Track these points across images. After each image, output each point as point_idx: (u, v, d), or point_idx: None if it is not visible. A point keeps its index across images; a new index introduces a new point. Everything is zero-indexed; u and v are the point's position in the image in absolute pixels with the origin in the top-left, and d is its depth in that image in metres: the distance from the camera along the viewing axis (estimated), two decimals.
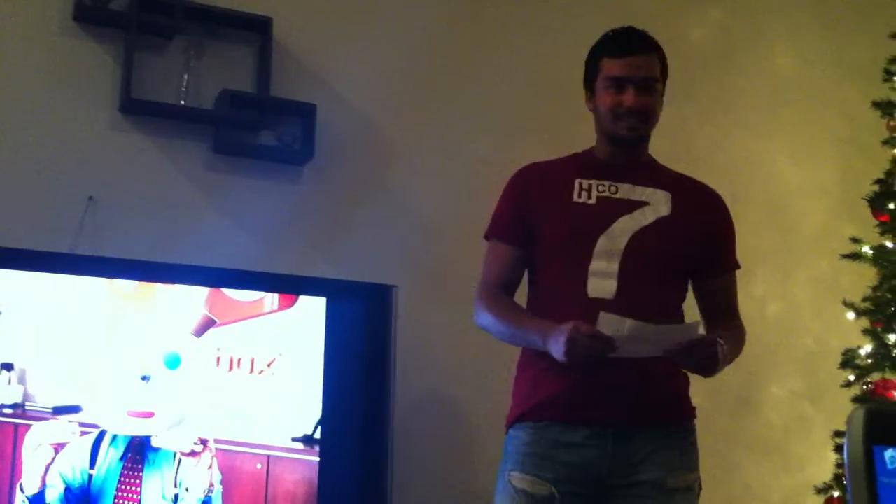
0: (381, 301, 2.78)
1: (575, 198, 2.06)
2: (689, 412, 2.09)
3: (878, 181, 3.29)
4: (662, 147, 3.45)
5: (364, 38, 3.29)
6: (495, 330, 2.07)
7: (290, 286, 2.74)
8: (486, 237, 2.17)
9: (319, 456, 2.63)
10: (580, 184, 2.07)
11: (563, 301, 2.02)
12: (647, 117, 2.06)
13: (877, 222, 3.26)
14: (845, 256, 3.27)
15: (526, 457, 2.00)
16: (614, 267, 1.99)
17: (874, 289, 3.22)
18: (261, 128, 3.05)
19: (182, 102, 2.97)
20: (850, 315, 3.26)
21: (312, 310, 2.72)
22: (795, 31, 4.06)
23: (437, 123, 3.33)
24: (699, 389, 3.57)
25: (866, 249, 3.22)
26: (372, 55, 3.28)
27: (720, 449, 3.55)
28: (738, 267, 2.21)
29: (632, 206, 2.04)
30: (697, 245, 2.09)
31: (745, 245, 3.70)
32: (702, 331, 1.90)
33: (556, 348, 1.88)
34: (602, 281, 1.99)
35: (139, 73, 2.91)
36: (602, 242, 2.00)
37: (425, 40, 3.39)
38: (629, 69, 2.05)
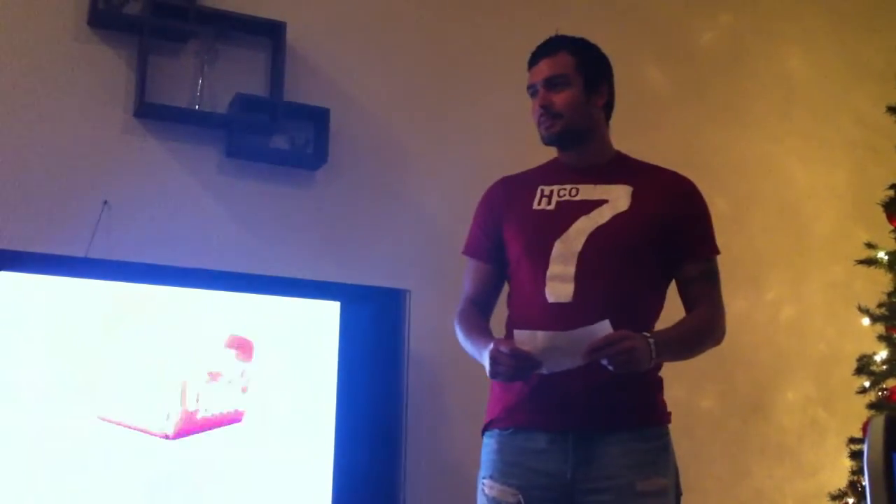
0: (394, 305, 2.79)
1: (534, 206, 2.08)
2: (660, 417, 2.04)
3: (893, 186, 3.27)
4: (674, 151, 3.48)
5: (377, 43, 3.30)
6: (462, 344, 2.11)
7: (303, 290, 2.75)
8: (463, 253, 2.21)
9: (334, 458, 2.63)
10: (542, 191, 2.10)
11: (528, 308, 2.03)
12: (556, 113, 2.07)
13: (891, 227, 3.25)
14: (860, 262, 3.26)
15: (496, 464, 2.01)
16: (571, 270, 1.99)
17: (889, 294, 3.21)
18: (274, 132, 3.06)
19: (196, 107, 2.98)
20: (865, 321, 3.25)
21: (326, 313, 2.73)
22: (807, 35, 4.05)
23: (449, 128, 3.33)
24: (711, 393, 3.61)
25: (881, 255, 3.21)
26: (385, 59, 3.29)
27: (732, 454, 3.54)
28: (715, 253, 2.12)
29: (590, 206, 2.04)
30: (661, 235, 2.04)
31: (757, 248, 3.76)
32: (609, 329, 1.84)
33: (485, 367, 1.93)
34: (560, 285, 1.99)
35: (153, 77, 2.92)
36: (558, 247, 2.01)
37: (439, 45, 3.40)
38: (533, 76, 2.12)
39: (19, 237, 2.65)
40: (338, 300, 2.74)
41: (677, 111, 3.73)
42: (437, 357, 3.00)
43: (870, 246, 3.27)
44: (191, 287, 2.63)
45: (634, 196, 2.05)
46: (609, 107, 2.16)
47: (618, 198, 2.05)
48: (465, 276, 2.20)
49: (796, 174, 3.91)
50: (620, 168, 2.12)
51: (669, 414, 2.06)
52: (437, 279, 3.00)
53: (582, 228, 2.02)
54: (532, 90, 2.12)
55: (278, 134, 3.06)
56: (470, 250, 2.20)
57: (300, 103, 3.07)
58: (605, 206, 2.04)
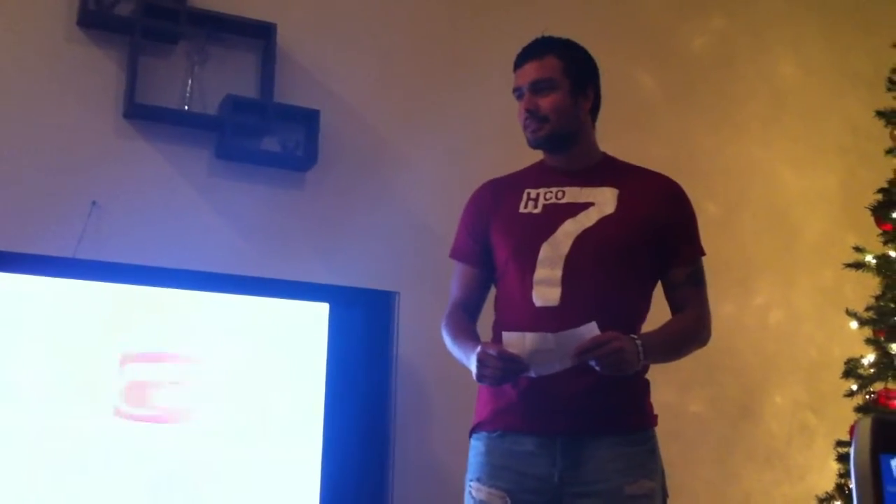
0: (384, 307, 2.79)
1: (521, 209, 2.08)
2: (647, 420, 2.05)
3: (882, 190, 3.28)
4: (664, 155, 3.48)
5: (367, 45, 3.29)
6: (449, 349, 2.10)
7: (292, 292, 2.74)
8: (450, 257, 2.20)
9: (321, 460, 2.63)
10: (528, 194, 2.09)
11: (514, 312, 2.03)
12: (542, 117, 2.06)
13: (880, 231, 3.26)
14: (848, 265, 3.26)
15: (483, 467, 2.01)
16: (557, 273, 1.98)
17: (877, 298, 3.22)
18: (264, 133, 3.05)
19: (186, 108, 2.98)
20: (853, 324, 3.25)
21: (315, 315, 2.72)
22: (797, 39, 4.07)
23: (440, 130, 3.33)
24: (700, 397, 3.61)
25: (869, 258, 3.21)
26: (375, 61, 3.29)
27: (721, 457, 3.55)
28: (700, 255, 2.11)
29: (577, 209, 2.04)
30: (647, 237, 2.04)
31: (747, 253, 3.76)
32: (596, 331, 1.85)
33: (472, 370, 1.92)
34: (547, 289, 1.99)
35: (143, 78, 2.91)
36: (545, 250, 2.01)
37: (429, 46, 3.40)
38: (519, 79, 2.11)
39: (6, 237, 2.64)
40: (327, 302, 2.74)
41: (668, 115, 3.74)
42: (426, 359, 2.99)
43: (858, 250, 3.28)
44: (180, 288, 2.62)
45: (620, 199, 2.04)
46: (595, 109, 2.15)
47: (604, 201, 2.04)
48: (452, 280, 2.19)
49: (786, 178, 3.92)
50: (607, 170, 2.12)
51: (656, 416, 2.06)
52: (426, 281, 2.99)
53: (568, 231, 2.02)
54: (518, 93, 2.11)
55: (268, 135, 3.06)
56: (457, 254, 2.19)
57: (290, 105, 3.07)
58: (591, 209, 2.04)
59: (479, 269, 2.15)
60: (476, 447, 2.05)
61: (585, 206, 2.04)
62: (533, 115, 2.07)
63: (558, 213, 2.04)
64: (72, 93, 2.89)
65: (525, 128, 2.10)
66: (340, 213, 3.14)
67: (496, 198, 2.14)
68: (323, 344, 2.70)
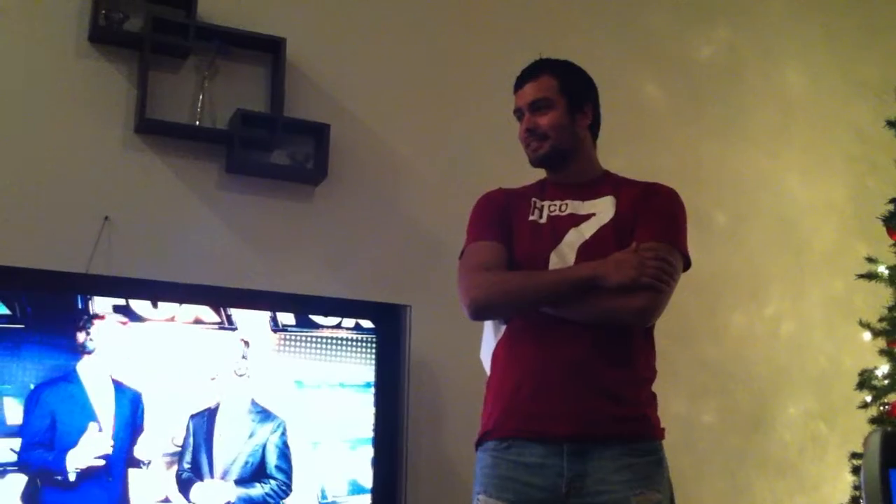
0: (395, 320, 2.79)
1: (530, 217, 2.13)
2: (654, 431, 2.05)
3: (893, 200, 3.27)
4: (671, 165, 3.48)
5: (377, 58, 3.31)
6: (521, 291, 2.03)
7: (303, 306, 2.75)
8: (469, 242, 2.14)
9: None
10: (534, 202, 2.14)
11: (523, 316, 2.05)
12: (542, 135, 2.12)
13: (892, 241, 3.25)
14: (861, 276, 3.26)
15: (489, 479, 2.02)
16: None
17: (890, 309, 3.21)
18: (274, 147, 3.07)
19: (196, 122, 2.99)
20: (866, 335, 3.24)
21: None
22: (804, 48, 4.07)
23: (449, 142, 3.34)
24: (712, 408, 3.60)
25: (882, 269, 3.20)
26: (385, 75, 3.30)
27: (733, 469, 3.53)
28: (669, 240, 2.05)
29: (578, 220, 2.09)
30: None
31: (756, 264, 3.76)
32: None
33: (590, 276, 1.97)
34: None
35: (154, 93, 2.93)
36: (553, 259, 2.05)
37: (438, 60, 3.41)
38: (519, 100, 2.18)
39: (19, 252, 2.65)
40: (338, 316, 2.74)
41: (675, 126, 3.74)
42: (437, 372, 3.00)
43: (870, 260, 3.27)
44: (190, 303, 2.63)
45: (617, 205, 2.10)
46: (595, 126, 2.20)
47: (603, 210, 2.10)
48: (472, 258, 2.10)
49: (795, 189, 3.91)
50: (605, 184, 2.16)
51: (663, 430, 2.07)
52: (437, 294, 3.00)
53: (571, 242, 2.06)
54: (518, 114, 2.18)
55: (278, 149, 3.07)
56: (490, 235, 2.12)
57: (300, 119, 3.08)
58: (592, 220, 2.09)
59: (508, 252, 2.09)
60: (482, 459, 2.06)
61: (587, 217, 2.10)
62: (532, 134, 2.13)
63: (562, 224, 2.09)
64: (83, 108, 2.91)
65: (526, 146, 2.16)
66: (350, 226, 3.15)
67: (508, 204, 2.17)
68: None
